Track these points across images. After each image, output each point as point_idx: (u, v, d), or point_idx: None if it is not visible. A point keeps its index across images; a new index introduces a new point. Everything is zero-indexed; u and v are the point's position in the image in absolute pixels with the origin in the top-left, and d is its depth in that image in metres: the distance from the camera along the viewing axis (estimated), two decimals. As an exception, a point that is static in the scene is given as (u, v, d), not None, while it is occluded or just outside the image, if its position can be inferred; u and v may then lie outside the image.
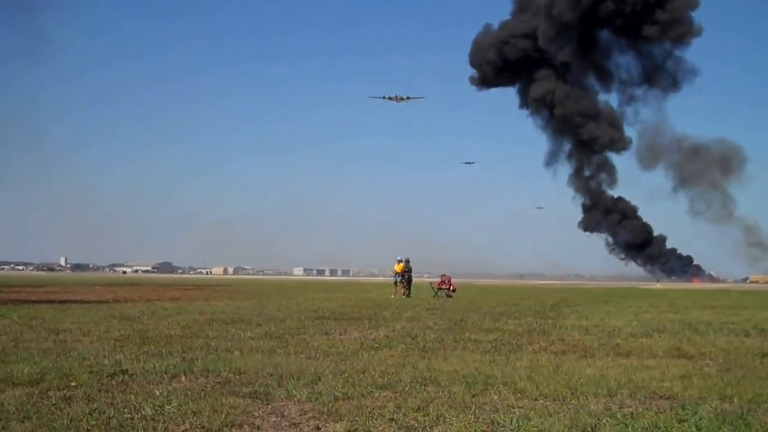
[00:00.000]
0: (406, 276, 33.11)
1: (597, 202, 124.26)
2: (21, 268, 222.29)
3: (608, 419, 5.45)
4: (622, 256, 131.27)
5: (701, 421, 5.35)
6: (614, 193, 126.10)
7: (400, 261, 33.53)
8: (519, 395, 6.48)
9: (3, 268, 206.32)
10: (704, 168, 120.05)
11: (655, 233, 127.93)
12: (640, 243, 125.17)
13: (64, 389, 6.52)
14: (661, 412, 5.76)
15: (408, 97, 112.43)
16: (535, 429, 5.09)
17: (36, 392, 6.36)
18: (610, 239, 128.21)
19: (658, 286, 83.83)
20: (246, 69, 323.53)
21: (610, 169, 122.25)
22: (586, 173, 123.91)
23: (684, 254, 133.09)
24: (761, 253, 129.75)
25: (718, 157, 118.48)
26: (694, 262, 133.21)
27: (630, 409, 5.90)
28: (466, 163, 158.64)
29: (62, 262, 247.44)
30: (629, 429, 5.12)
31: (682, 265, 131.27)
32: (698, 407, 5.94)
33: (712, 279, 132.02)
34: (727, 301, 32.61)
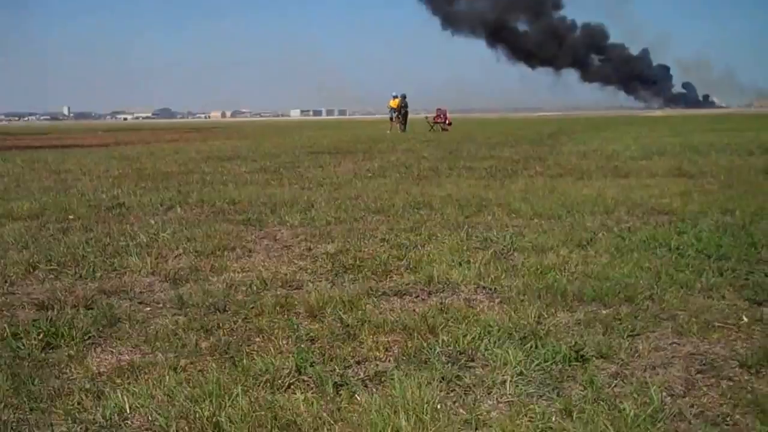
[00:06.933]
0: (402, 111, 32.55)
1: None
2: (27, 119, 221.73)
3: (604, 233, 5.32)
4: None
5: (701, 233, 5.20)
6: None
7: (395, 96, 32.84)
8: (513, 215, 6.36)
9: (11, 120, 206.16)
10: None
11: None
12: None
13: (62, 222, 6.48)
14: (660, 226, 5.63)
15: None
16: (529, 244, 4.96)
17: (35, 225, 6.32)
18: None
19: (658, 113, 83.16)
20: None
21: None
22: None
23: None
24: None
25: None
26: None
27: (627, 224, 5.76)
28: None
29: (65, 111, 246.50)
30: (626, 242, 4.98)
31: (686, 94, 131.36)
32: (698, 220, 5.80)
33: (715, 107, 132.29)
34: (731, 125, 32.32)
